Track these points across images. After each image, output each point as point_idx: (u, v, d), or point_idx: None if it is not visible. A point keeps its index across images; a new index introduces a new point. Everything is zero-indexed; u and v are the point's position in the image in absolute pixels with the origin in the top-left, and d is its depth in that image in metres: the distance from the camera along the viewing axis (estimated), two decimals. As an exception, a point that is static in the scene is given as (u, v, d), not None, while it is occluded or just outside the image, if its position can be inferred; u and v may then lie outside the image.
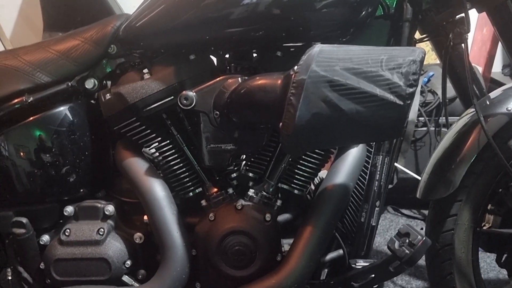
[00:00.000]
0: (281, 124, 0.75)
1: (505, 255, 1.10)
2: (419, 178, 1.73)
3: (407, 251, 0.75)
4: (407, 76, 0.71)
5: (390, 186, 1.02)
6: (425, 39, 1.09)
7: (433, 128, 1.75)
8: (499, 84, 1.97)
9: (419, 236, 0.75)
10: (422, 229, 1.66)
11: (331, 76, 0.71)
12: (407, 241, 0.76)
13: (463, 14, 0.94)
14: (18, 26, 2.12)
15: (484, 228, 1.06)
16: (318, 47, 0.75)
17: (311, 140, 0.76)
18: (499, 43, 1.93)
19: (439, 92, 1.78)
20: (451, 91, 1.12)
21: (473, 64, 1.14)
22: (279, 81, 0.80)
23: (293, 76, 0.74)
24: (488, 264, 1.49)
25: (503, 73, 2.24)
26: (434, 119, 1.76)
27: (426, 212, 1.85)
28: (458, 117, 1.11)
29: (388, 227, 1.78)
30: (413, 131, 1.77)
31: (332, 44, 0.92)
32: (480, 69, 1.96)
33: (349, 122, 0.72)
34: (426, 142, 1.77)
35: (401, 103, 0.71)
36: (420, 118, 1.73)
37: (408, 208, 1.90)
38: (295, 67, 0.75)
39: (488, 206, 1.05)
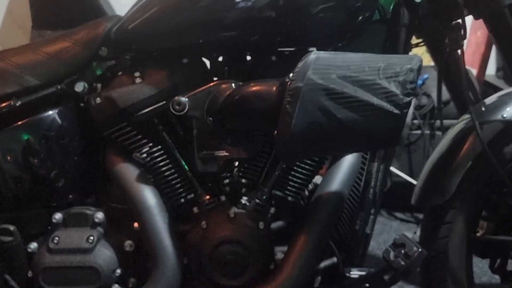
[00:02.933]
0: (276, 132, 0.74)
1: (499, 261, 1.10)
2: (413, 181, 1.74)
3: (402, 263, 0.74)
4: (404, 85, 0.70)
5: (383, 189, 1.01)
6: (420, 44, 1.08)
7: (428, 131, 1.75)
8: (493, 87, 1.98)
9: (414, 248, 0.74)
10: (415, 233, 1.66)
11: (328, 84, 0.70)
12: (402, 251, 0.75)
13: (459, 20, 0.93)
14: (6, 24, 2.08)
15: (478, 234, 1.06)
16: (314, 54, 0.74)
17: (306, 148, 0.74)
18: (493, 46, 1.93)
19: (434, 95, 1.78)
20: (445, 94, 1.12)
21: (467, 67, 1.14)
22: (274, 88, 0.78)
23: (288, 83, 0.73)
24: (480, 269, 1.49)
25: (497, 76, 2.25)
26: (429, 122, 1.76)
27: (419, 215, 1.86)
28: (452, 120, 1.10)
29: (381, 231, 1.78)
30: (407, 134, 1.78)
31: (328, 49, 0.91)
32: (474, 72, 1.96)
33: (345, 131, 0.71)
34: (420, 145, 1.77)
35: (398, 112, 0.70)
36: (414, 121, 1.73)
37: (401, 211, 1.90)
38: (291, 75, 0.74)
39: (482, 213, 1.04)
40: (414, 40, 1.05)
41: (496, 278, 1.29)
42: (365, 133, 0.71)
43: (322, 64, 0.72)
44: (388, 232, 1.77)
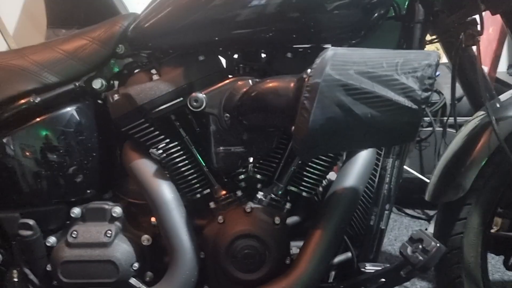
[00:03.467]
0: (293, 128, 0.74)
1: (513, 258, 1.09)
2: (424, 178, 1.74)
3: (420, 258, 0.74)
4: (422, 81, 0.70)
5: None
6: (435, 41, 1.08)
7: (439, 128, 1.74)
8: (505, 84, 1.96)
9: (433, 243, 0.74)
10: (426, 229, 1.66)
11: (346, 80, 0.71)
12: (420, 247, 0.75)
13: (474, 16, 0.93)
14: (21, 22, 2.11)
15: (493, 231, 1.06)
16: (332, 50, 0.74)
17: (324, 144, 0.75)
18: (505, 43, 1.92)
19: (445, 92, 1.77)
20: (457, 91, 1.11)
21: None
22: (292, 84, 0.79)
23: (306, 79, 0.73)
24: (493, 266, 1.48)
25: (508, 73, 2.23)
26: (440, 119, 1.76)
27: (430, 212, 1.86)
28: (464, 117, 1.10)
29: (392, 227, 1.78)
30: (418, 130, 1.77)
31: (343, 46, 0.91)
32: (485, 69, 1.95)
33: (363, 126, 0.72)
34: (431, 142, 1.77)
35: (416, 107, 0.70)
36: (425, 118, 1.73)
37: (411, 208, 1.90)
38: (309, 70, 0.74)
39: (497, 209, 1.04)
40: (427, 37, 1.05)
41: (509, 275, 1.29)
42: (382, 128, 0.72)
43: (339, 60, 0.72)
44: (399, 229, 1.77)
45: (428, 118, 1.73)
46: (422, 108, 0.71)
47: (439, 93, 1.79)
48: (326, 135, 0.73)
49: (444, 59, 1.17)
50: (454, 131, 1.09)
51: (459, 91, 1.13)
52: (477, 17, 0.93)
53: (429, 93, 0.70)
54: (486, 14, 0.95)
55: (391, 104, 0.70)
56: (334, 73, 0.71)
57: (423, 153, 1.79)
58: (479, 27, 0.92)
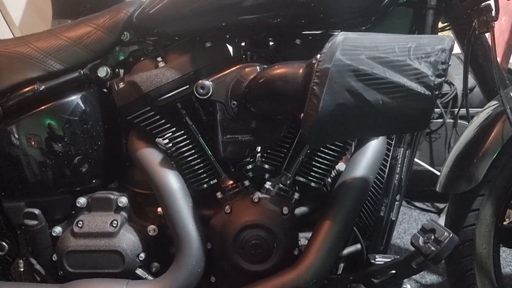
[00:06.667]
0: (302, 114, 0.72)
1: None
2: (434, 170, 1.71)
3: (433, 248, 0.72)
4: (435, 66, 0.68)
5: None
6: (447, 28, 1.05)
7: (450, 120, 1.71)
8: (517, 75, 1.92)
9: (445, 233, 0.72)
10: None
11: (357, 65, 0.68)
12: (432, 237, 0.73)
13: (488, 2, 0.91)
14: (27, 13, 2.10)
15: (505, 223, 1.04)
16: (342, 35, 0.72)
17: (334, 131, 0.73)
18: (518, 33, 1.88)
19: (456, 83, 1.74)
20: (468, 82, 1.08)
21: (491, 54, 1.10)
22: (301, 70, 0.76)
23: (316, 64, 0.71)
24: (504, 259, 1.46)
25: (520, 64, 2.19)
26: (451, 110, 1.72)
27: (439, 205, 1.83)
28: (475, 109, 1.07)
29: (401, 220, 1.76)
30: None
31: (354, 32, 0.89)
32: (497, 59, 1.91)
33: (374, 113, 0.70)
34: (441, 134, 1.74)
35: (429, 93, 0.68)
36: (436, 109, 1.70)
37: (421, 201, 1.87)
38: (318, 56, 0.72)
39: (510, 201, 1.02)
40: (440, 24, 1.02)
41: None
42: (394, 115, 0.70)
43: (350, 45, 0.70)
44: (408, 222, 1.75)
45: (439, 109, 1.70)
46: (435, 94, 0.68)
47: (450, 84, 1.76)
48: (336, 122, 0.71)
49: (455, 50, 1.15)
50: (466, 122, 1.06)
51: (470, 82, 1.10)
52: (491, 2, 0.90)
53: (443, 78, 0.68)
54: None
55: (403, 90, 0.68)
56: (345, 58, 0.69)
57: (433, 145, 1.77)
58: (493, 13, 0.90)
